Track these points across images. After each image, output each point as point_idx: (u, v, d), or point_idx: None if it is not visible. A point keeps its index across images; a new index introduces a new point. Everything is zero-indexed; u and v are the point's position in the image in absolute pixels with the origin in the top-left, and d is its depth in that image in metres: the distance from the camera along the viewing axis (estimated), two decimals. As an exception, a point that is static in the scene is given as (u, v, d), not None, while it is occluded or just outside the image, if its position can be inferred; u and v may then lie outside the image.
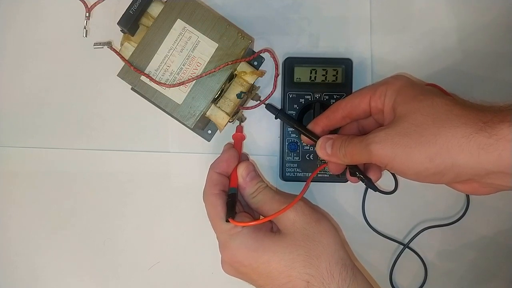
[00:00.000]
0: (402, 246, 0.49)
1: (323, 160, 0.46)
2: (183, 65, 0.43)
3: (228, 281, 0.43)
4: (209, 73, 0.42)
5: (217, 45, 0.43)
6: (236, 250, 0.38)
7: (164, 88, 0.43)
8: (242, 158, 0.47)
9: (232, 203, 0.40)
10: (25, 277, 0.50)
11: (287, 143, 0.47)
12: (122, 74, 0.43)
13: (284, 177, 0.47)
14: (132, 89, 0.46)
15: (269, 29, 0.49)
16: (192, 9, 0.43)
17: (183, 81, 0.42)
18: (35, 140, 0.50)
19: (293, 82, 0.47)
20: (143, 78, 0.43)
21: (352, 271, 0.38)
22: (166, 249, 0.50)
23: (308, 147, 0.47)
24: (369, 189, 0.46)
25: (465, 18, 0.49)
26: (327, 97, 0.47)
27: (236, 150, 0.44)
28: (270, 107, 0.45)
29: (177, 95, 0.43)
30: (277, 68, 0.47)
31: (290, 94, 0.47)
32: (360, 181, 0.41)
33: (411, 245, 0.49)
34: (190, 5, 0.43)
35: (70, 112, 0.50)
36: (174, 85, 0.42)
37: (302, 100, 0.47)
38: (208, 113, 0.44)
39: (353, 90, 0.47)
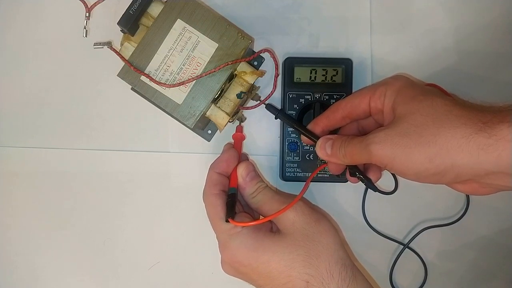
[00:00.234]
0: (402, 246, 0.49)
1: (323, 160, 0.46)
2: (183, 65, 0.43)
3: (228, 281, 0.43)
4: (209, 73, 0.42)
5: (217, 45, 0.43)
6: (236, 250, 0.38)
7: (164, 88, 0.43)
8: (242, 158, 0.47)
9: (232, 203, 0.40)
10: (25, 277, 0.50)
11: (287, 143, 0.47)
12: (122, 74, 0.43)
13: (284, 177, 0.47)
14: (132, 89, 0.46)
15: (269, 29, 0.49)
16: (192, 9, 0.43)
17: (183, 81, 0.42)
18: (35, 140, 0.50)
19: (293, 82, 0.47)
20: (143, 78, 0.43)
21: (351, 271, 0.38)
22: (166, 249, 0.50)
23: (308, 147, 0.47)
24: (369, 189, 0.46)
25: (465, 18, 0.49)
26: (327, 97, 0.47)
27: (236, 150, 0.44)
28: (270, 107, 0.45)
29: (177, 95, 0.43)
30: (277, 68, 0.47)
31: (290, 94, 0.47)
32: (360, 181, 0.41)
33: (411, 245, 0.49)
34: (190, 5, 0.43)
35: (70, 112, 0.50)
36: (174, 85, 0.42)
37: (302, 100, 0.47)
38: (208, 113, 0.44)
39: (353, 90, 0.47)
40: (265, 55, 0.48)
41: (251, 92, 0.46)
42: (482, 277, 0.49)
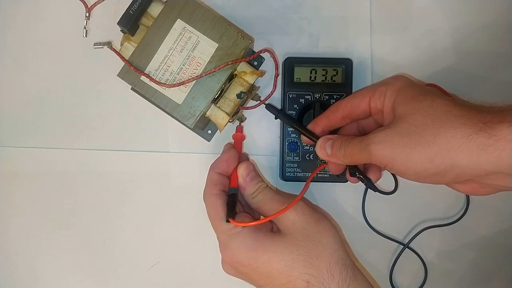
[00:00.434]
0: (402, 246, 0.49)
1: (323, 160, 0.46)
2: (183, 65, 0.43)
3: (228, 281, 0.43)
4: (209, 73, 0.42)
5: (217, 45, 0.43)
6: (236, 250, 0.38)
7: (164, 88, 0.43)
8: (242, 158, 0.47)
9: (232, 203, 0.40)
10: (25, 277, 0.50)
11: (287, 143, 0.47)
12: (122, 74, 0.43)
13: (284, 177, 0.47)
14: (132, 89, 0.46)
15: (269, 29, 0.49)
16: (192, 9, 0.43)
17: (183, 81, 0.42)
18: (35, 140, 0.50)
19: (293, 82, 0.47)
20: (143, 78, 0.43)
21: (352, 271, 0.38)
22: (166, 249, 0.50)
23: (308, 147, 0.47)
24: (369, 189, 0.46)
25: (465, 18, 0.49)
26: (327, 97, 0.47)
27: (236, 150, 0.44)
28: (270, 107, 0.45)
29: (177, 95, 0.43)
30: (277, 68, 0.47)
31: (290, 94, 0.47)
32: (360, 181, 0.41)
33: (411, 245, 0.49)
34: (190, 5, 0.43)
35: (70, 112, 0.50)
36: (174, 85, 0.42)
37: (302, 100, 0.47)
38: (208, 113, 0.44)
39: (353, 90, 0.47)
40: (265, 55, 0.48)
41: (251, 92, 0.46)
42: (482, 277, 0.49)
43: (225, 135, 0.48)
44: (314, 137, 0.42)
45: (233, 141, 0.47)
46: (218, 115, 0.44)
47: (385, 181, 0.46)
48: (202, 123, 0.46)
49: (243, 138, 0.47)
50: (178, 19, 0.43)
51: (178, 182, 0.49)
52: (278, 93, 0.48)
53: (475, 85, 0.49)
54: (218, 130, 0.49)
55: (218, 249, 0.40)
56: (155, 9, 0.43)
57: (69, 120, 0.50)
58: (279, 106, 0.48)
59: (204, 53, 0.43)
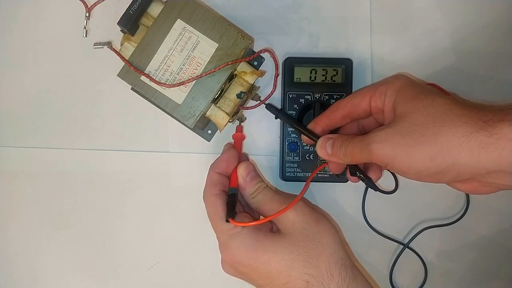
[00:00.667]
0: (402, 246, 0.49)
1: (323, 160, 0.46)
2: (183, 65, 0.43)
3: (228, 281, 0.43)
4: (209, 73, 0.42)
5: (217, 45, 0.43)
6: (236, 250, 0.38)
7: (164, 88, 0.43)
8: (242, 158, 0.47)
9: (232, 203, 0.40)
10: (25, 277, 0.50)
11: (287, 143, 0.47)
12: (122, 74, 0.43)
13: (284, 177, 0.47)
14: (132, 89, 0.46)
15: (269, 29, 0.49)
16: (192, 9, 0.43)
17: (183, 81, 0.42)
18: (35, 140, 0.50)
19: (293, 82, 0.47)
20: (143, 78, 0.43)
21: (351, 271, 0.38)
22: (166, 249, 0.50)
23: (308, 147, 0.47)
24: (369, 189, 0.46)
25: (465, 18, 0.49)
26: (327, 97, 0.47)
27: (236, 150, 0.44)
28: (270, 107, 0.45)
29: (177, 95, 0.43)
30: (277, 68, 0.47)
31: (290, 94, 0.47)
32: (360, 181, 0.41)
33: (411, 245, 0.49)
34: (190, 5, 0.43)
35: (70, 112, 0.50)
36: (174, 85, 0.42)
37: (302, 100, 0.47)
38: (208, 113, 0.44)
39: (353, 90, 0.47)
40: (265, 55, 0.48)
41: (251, 92, 0.46)
42: (482, 277, 0.49)
43: (225, 135, 0.48)
44: (315, 136, 0.42)
45: (233, 141, 0.47)
46: (218, 115, 0.44)
47: (385, 181, 0.46)
48: (202, 123, 0.46)
49: (243, 138, 0.47)
50: (178, 19, 0.43)
51: (178, 182, 0.49)
52: (278, 93, 0.48)
53: (475, 84, 0.49)
54: (218, 130, 0.49)
55: (218, 249, 0.40)
56: (155, 9, 0.43)
57: (69, 120, 0.50)
58: (279, 106, 0.48)
59: (204, 53, 0.43)
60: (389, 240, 0.49)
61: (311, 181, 0.42)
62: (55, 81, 0.50)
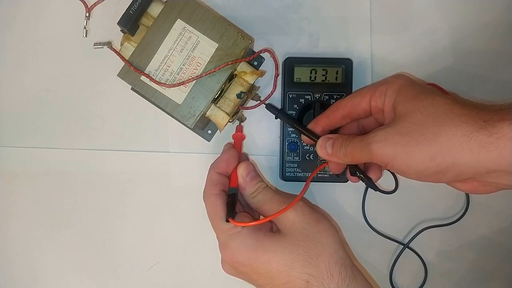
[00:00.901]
0: (402, 246, 0.49)
1: (323, 160, 0.46)
2: (183, 65, 0.43)
3: (228, 281, 0.43)
4: (209, 73, 0.42)
5: (217, 45, 0.43)
6: (236, 250, 0.38)
7: (164, 88, 0.43)
8: (242, 158, 0.47)
9: (232, 203, 0.40)
10: (25, 277, 0.50)
11: (287, 143, 0.47)
12: (122, 74, 0.43)
13: (284, 177, 0.47)
14: (132, 89, 0.46)
15: (269, 29, 0.49)
16: (192, 9, 0.43)
17: (183, 81, 0.42)
18: (35, 140, 0.50)
19: (293, 82, 0.47)
20: (143, 78, 0.43)
21: (351, 270, 0.38)
22: (166, 249, 0.50)
23: (308, 147, 0.47)
24: (369, 189, 0.46)
25: (465, 17, 0.49)
26: (327, 97, 0.47)
27: (236, 150, 0.44)
28: (270, 107, 0.45)
29: (177, 95, 0.43)
30: (277, 68, 0.47)
31: (290, 94, 0.47)
32: (361, 181, 0.41)
33: (411, 245, 0.49)
34: (190, 5, 0.43)
35: (70, 112, 0.50)
36: (174, 85, 0.42)
37: (302, 100, 0.47)
38: (208, 113, 0.44)
39: (353, 90, 0.47)
40: (265, 55, 0.48)
41: (251, 92, 0.46)
42: (482, 277, 0.49)
43: (225, 135, 0.48)
44: (315, 136, 0.42)
45: (233, 141, 0.47)
46: (218, 115, 0.44)
47: (385, 181, 0.46)
48: (202, 123, 0.46)
49: (243, 138, 0.47)
50: (178, 19, 0.43)
51: (178, 182, 0.49)
52: (278, 93, 0.48)
53: (475, 84, 0.49)
54: (218, 130, 0.49)
55: (218, 249, 0.40)
56: (155, 9, 0.43)
57: (69, 120, 0.50)
58: (279, 106, 0.48)
59: (204, 53, 0.43)
60: (389, 240, 0.49)
61: (311, 181, 0.42)
62: (55, 81, 0.50)
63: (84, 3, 0.48)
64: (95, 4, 0.49)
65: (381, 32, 0.49)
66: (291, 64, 0.47)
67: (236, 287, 0.45)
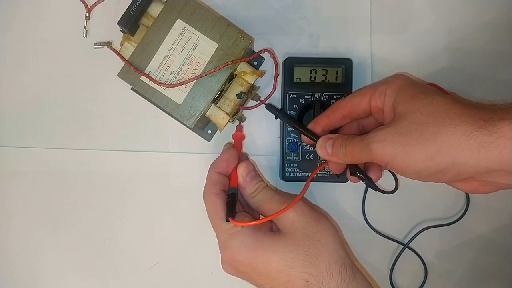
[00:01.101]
0: (402, 246, 0.49)
1: (323, 160, 0.46)
2: (183, 65, 0.43)
3: (228, 281, 0.43)
4: (209, 73, 0.42)
5: (217, 45, 0.43)
6: (236, 249, 0.38)
7: (164, 88, 0.43)
8: (242, 157, 0.47)
9: (232, 203, 0.40)
10: (25, 277, 0.50)
11: (287, 143, 0.47)
12: (122, 74, 0.43)
13: (284, 177, 0.47)
14: (132, 89, 0.46)
15: (269, 29, 0.49)
16: (192, 9, 0.43)
17: (183, 81, 0.42)
18: (35, 140, 0.50)
19: (293, 82, 0.47)
20: (143, 78, 0.43)
21: (351, 270, 0.38)
22: (166, 249, 0.50)
23: (308, 147, 0.47)
24: (369, 189, 0.46)
25: (465, 17, 0.49)
26: (327, 97, 0.47)
27: (236, 149, 0.44)
28: (270, 107, 0.45)
29: (177, 95, 0.43)
30: (277, 68, 0.47)
31: (290, 94, 0.47)
32: (361, 181, 0.41)
33: (411, 245, 0.49)
34: (190, 5, 0.43)
35: (70, 112, 0.50)
36: (174, 85, 0.42)
37: (302, 100, 0.47)
38: (208, 113, 0.44)
39: (353, 90, 0.47)
40: (265, 55, 0.48)
41: (251, 92, 0.46)
42: (482, 277, 0.49)
43: (225, 135, 0.48)
44: (315, 136, 0.42)
45: (233, 141, 0.47)
46: (218, 115, 0.44)
47: (385, 181, 0.46)
48: (202, 123, 0.46)
49: (243, 137, 0.48)
50: (178, 19, 0.43)
51: (178, 182, 0.49)
52: (278, 93, 0.48)
53: (475, 84, 0.49)
54: (218, 130, 0.49)
55: (218, 249, 0.40)
56: (155, 9, 0.43)
57: (69, 120, 0.50)
58: (279, 106, 0.48)
59: (204, 53, 0.43)
60: (389, 240, 0.49)
61: (311, 181, 0.42)
62: (55, 81, 0.50)
63: (84, 3, 0.48)
64: (95, 4, 0.49)
65: (381, 32, 0.49)
66: (291, 64, 0.47)
67: (236, 287, 0.45)
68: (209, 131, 0.49)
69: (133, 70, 0.42)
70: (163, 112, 0.45)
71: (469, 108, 0.33)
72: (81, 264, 0.50)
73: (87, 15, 0.48)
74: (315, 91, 0.47)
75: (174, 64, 0.43)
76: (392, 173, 0.47)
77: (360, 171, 0.41)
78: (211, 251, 0.44)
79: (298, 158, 0.47)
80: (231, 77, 0.44)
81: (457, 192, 0.48)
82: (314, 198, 0.49)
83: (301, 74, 0.47)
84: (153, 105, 0.44)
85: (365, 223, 0.48)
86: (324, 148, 0.40)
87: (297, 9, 0.49)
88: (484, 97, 0.37)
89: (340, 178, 0.47)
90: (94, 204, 0.50)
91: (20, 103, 0.50)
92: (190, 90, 0.43)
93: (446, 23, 0.49)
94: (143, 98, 0.45)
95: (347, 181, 0.47)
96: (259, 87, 0.48)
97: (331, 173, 0.46)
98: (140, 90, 0.43)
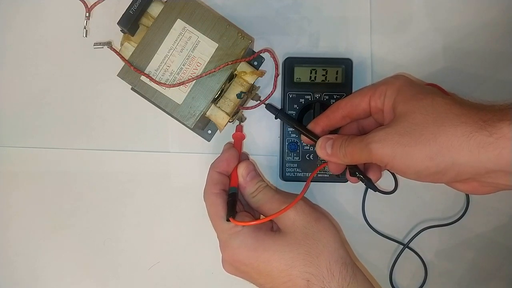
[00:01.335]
0: (402, 246, 0.49)
1: (323, 160, 0.46)
2: (183, 65, 0.43)
3: (228, 281, 0.43)
4: (209, 73, 0.42)
5: (217, 45, 0.43)
6: (236, 249, 0.38)
7: (164, 88, 0.43)
8: (242, 157, 0.47)
9: (233, 202, 0.40)
10: (25, 277, 0.50)
11: (287, 143, 0.47)
12: (122, 74, 0.43)
13: (284, 177, 0.47)
14: (132, 89, 0.46)
15: (269, 29, 0.49)
16: (192, 9, 0.43)
17: (183, 81, 0.42)
18: (35, 140, 0.50)
19: (293, 82, 0.47)
20: (143, 78, 0.43)
21: (352, 269, 0.38)
22: (166, 249, 0.50)
23: (308, 147, 0.47)
24: (369, 189, 0.46)
25: (465, 17, 0.49)
26: (327, 97, 0.47)
27: (236, 149, 0.44)
28: (270, 107, 0.45)
29: (177, 95, 0.43)
30: (277, 68, 0.47)
31: (290, 94, 0.47)
32: (360, 181, 0.41)
33: (411, 245, 0.49)
34: (190, 5, 0.43)
35: (70, 112, 0.50)
36: (174, 85, 0.42)
37: (302, 100, 0.47)
38: (208, 113, 0.44)
39: (353, 90, 0.47)
40: (265, 55, 0.48)
41: (251, 92, 0.46)
42: (482, 277, 0.50)
43: (225, 135, 0.48)
44: (314, 136, 0.42)
45: (233, 140, 0.47)
46: (218, 115, 0.44)
47: (385, 181, 0.46)
48: (202, 123, 0.46)
49: (243, 137, 0.48)
50: (178, 19, 0.43)
51: (178, 182, 0.49)
52: (278, 93, 0.48)
53: (475, 84, 0.49)
54: (218, 130, 0.49)
55: (218, 249, 0.40)
56: (155, 9, 0.43)
57: (69, 120, 0.50)
58: (279, 106, 0.48)
59: (204, 53, 0.43)
60: (389, 240, 0.49)
61: (311, 181, 0.42)
62: (55, 81, 0.50)
63: (84, 3, 0.48)
64: (95, 4, 0.49)
65: (381, 32, 0.49)
66: (291, 64, 0.47)
67: (237, 287, 0.45)
68: (209, 131, 0.49)
69: (133, 70, 0.42)
70: (163, 112, 0.45)
71: (469, 108, 0.33)
72: (81, 264, 0.50)
73: (87, 15, 0.48)
74: (315, 91, 0.47)
75: (174, 64, 0.43)
76: (392, 173, 0.47)
77: (360, 172, 0.41)
78: (211, 251, 0.44)
79: (298, 158, 0.47)
80: (231, 77, 0.44)
81: (457, 192, 0.48)
82: (314, 198, 0.49)
83: (301, 74, 0.47)
84: (153, 105, 0.44)
85: (365, 223, 0.48)
86: (323, 148, 0.40)
87: (297, 9, 0.49)
88: (484, 97, 0.36)
89: (340, 178, 0.47)
90: (94, 204, 0.50)
91: (20, 103, 0.50)
92: (190, 90, 0.43)
93: (446, 23, 0.49)
94: (143, 98, 0.45)
95: (347, 181, 0.47)
96: (259, 87, 0.48)
97: (331, 173, 0.46)
98: (140, 90, 0.43)
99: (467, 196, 0.48)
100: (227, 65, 0.42)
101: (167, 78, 0.43)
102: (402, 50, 0.49)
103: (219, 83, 0.43)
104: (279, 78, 0.48)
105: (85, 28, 0.48)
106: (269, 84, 0.48)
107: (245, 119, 0.49)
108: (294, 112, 0.47)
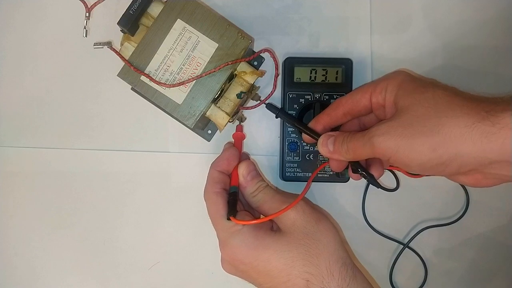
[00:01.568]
0: (402, 246, 0.49)
1: (324, 159, 0.46)
2: (183, 65, 0.43)
3: (228, 281, 0.43)
4: (209, 73, 0.42)
5: (217, 45, 0.43)
6: (236, 248, 0.38)
7: (164, 88, 0.43)
8: (243, 157, 0.47)
9: (234, 201, 0.40)
10: (25, 277, 0.50)
11: (287, 143, 0.47)
12: (122, 74, 0.43)
13: (284, 177, 0.47)
14: (132, 89, 0.46)
15: (269, 29, 0.49)
16: (192, 9, 0.43)
17: (183, 81, 0.42)
18: (35, 140, 0.50)
19: (293, 82, 0.47)
20: (143, 78, 0.43)
21: (352, 270, 0.38)
22: (166, 249, 0.50)
23: (308, 147, 0.47)
24: (369, 189, 0.46)
25: (464, 14, 0.49)
26: (327, 97, 0.47)
27: (237, 149, 0.44)
28: (270, 106, 0.45)
29: (177, 95, 0.43)
30: (277, 68, 0.47)
31: (290, 94, 0.47)
32: (361, 180, 0.41)
33: (411, 244, 0.49)
34: (190, 5, 0.43)
35: (70, 112, 0.50)
36: (174, 85, 0.42)
37: (302, 100, 0.47)
38: (208, 113, 0.44)
39: (353, 90, 0.47)
40: (265, 55, 0.48)
41: (251, 92, 0.46)
42: (482, 276, 0.50)
43: (225, 135, 0.48)
44: (316, 135, 0.42)
45: (233, 140, 0.47)
46: (218, 115, 0.44)
47: (385, 181, 0.46)
48: (202, 123, 0.46)
49: (243, 137, 0.48)
50: (178, 19, 0.43)
51: (178, 182, 0.49)
52: (278, 93, 0.48)
53: (475, 80, 0.49)
54: (218, 130, 0.49)
55: (218, 249, 0.40)
56: (155, 9, 0.43)
57: (69, 120, 0.50)
58: (279, 106, 0.48)
59: (204, 53, 0.43)
60: (389, 240, 0.49)
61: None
62: (55, 81, 0.50)
63: (84, 3, 0.48)
64: (95, 4, 0.49)
65: (381, 32, 0.49)
66: (291, 64, 0.47)
67: (236, 287, 0.45)
68: (209, 131, 0.49)
69: (133, 70, 0.42)
70: (163, 112, 0.45)
71: (471, 100, 0.33)
72: (81, 264, 0.50)
73: (87, 15, 0.48)
74: (315, 91, 0.47)
75: (174, 64, 0.43)
76: (393, 172, 0.47)
77: (362, 168, 0.40)
78: (211, 251, 0.44)
79: (298, 158, 0.47)
80: (231, 77, 0.44)
81: (457, 191, 0.49)
82: (314, 198, 0.49)
83: (301, 74, 0.47)
84: (153, 105, 0.44)
85: (365, 223, 0.48)
86: (325, 146, 0.40)
87: (297, 9, 0.49)
88: (485, 92, 0.36)
89: (340, 178, 0.47)
90: (94, 204, 0.50)
91: (20, 103, 0.50)
92: (190, 90, 0.43)
93: (445, 22, 0.49)
94: (143, 98, 0.45)
95: (347, 181, 0.47)
96: (259, 87, 0.48)
97: (331, 173, 0.46)
98: (140, 90, 0.43)
99: (467, 195, 0.48)
100: (227, 65, 0.42)
101: (167, 78, 0.43)
102: (402, 49, 0.49)
103: (219, 83, 0.43)
104: (279, 78, 0.48)
105: (85, 28, 0.48)
106: (269, 84, 0.48)
107: (245, 119, 0.49)
108: (294, 112, 0.47)
